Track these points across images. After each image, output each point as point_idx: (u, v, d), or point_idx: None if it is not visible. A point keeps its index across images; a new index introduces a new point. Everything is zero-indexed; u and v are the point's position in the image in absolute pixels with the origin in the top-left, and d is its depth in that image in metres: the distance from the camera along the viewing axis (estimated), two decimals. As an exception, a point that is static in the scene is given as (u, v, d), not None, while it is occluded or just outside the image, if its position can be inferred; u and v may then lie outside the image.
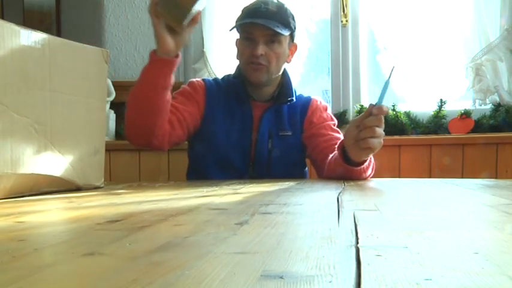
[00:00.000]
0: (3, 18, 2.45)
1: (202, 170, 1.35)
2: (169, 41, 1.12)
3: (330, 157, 1.24)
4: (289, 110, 1.37)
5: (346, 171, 1.13)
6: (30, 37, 0.79)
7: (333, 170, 1.21)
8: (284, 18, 1.30)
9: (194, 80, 1.39)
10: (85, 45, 0.93)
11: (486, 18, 1.99)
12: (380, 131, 1.03)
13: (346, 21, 2.21)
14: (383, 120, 1.03)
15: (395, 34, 2.20)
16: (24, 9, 2.55)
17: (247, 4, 1.34)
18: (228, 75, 1.43)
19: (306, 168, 1.48)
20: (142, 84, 1.16)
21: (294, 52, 1.40)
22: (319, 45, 2.37)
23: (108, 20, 2.36)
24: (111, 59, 2.29)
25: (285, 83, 1.38)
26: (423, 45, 2.17)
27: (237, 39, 1.38)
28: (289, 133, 1.35)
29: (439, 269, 0.30)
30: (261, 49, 1.27)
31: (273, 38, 1.29)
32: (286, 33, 1.30)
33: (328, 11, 2.25)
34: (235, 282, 0.28)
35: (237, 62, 1.39)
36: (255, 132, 1.33)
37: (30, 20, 2.51)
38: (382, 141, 1.05)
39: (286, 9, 1.32)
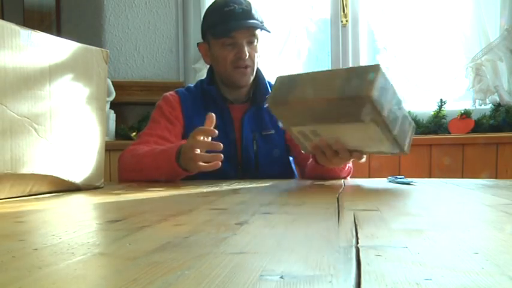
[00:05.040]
0: (3, 18, 2.45)
1: (189, 176, 1.33)
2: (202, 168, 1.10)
3: (311, 160, 1.25)
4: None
5: (321, 172, 1.17)
6: (30, 37, 0.79)
7: (311, 171, 1.23)
8: (258, 15, 1.30)
9: (168, 94, 1.37)
10: (85, 45, 0.93)
11: (486, 18, 1.99)
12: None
13: (346, 21, 2.21)
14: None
15: (395, 34, 2.20)
16: (24, 9, 2.56)
17: (214, 7, 1.31)
18: (201, 81, 1.42)
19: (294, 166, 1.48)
20: (149, 169, 1.17)
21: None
22: (319, 45, 2.37)
23: (108, 20, 2.36)
24: (111, 59, 2.29)
25: (259, 82, 1.36)
26: (423, 45, 2.17)
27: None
28: (272, 131, 1.34)
29: (439, 269, 0.30)
30: (246, 51, 1.28)
31: (253, 38, 1.29)
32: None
33: (328, 11, 2.25)
34: (235, 282, 0.28)
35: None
36: (239, 135, 1.33)
37: (30, 20, 2.52)
38: (342, 161, 1.03)
39: (252, 6, 1.30)
